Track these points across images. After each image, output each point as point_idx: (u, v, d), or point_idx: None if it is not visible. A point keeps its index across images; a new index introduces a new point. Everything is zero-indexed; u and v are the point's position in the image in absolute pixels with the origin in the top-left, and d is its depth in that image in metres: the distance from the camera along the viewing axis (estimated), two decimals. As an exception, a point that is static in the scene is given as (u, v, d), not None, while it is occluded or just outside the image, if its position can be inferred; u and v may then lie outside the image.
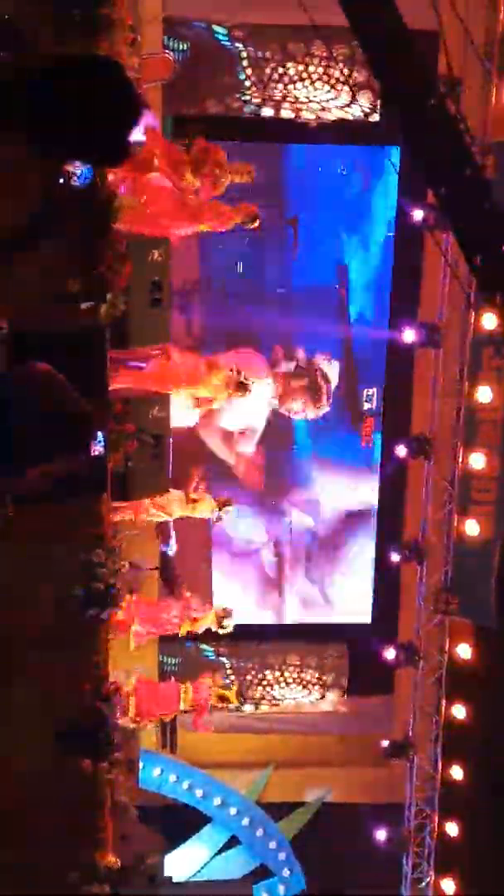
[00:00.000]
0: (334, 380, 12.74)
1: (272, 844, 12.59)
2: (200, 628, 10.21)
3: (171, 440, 8.85)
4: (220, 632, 10.32)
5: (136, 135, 3.56)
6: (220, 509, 10.25)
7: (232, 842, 12.63)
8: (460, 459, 11.66)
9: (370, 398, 12.82)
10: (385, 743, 12.43)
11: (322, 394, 12.67)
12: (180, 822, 12.19)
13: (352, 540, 13.42)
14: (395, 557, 12.18)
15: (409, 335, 11.51)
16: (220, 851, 12.62)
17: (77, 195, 6.58)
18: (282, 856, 12.58)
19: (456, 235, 8.00)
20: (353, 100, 11.73)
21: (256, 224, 9.68)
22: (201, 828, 12.53)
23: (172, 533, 10.95)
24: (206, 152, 9.00)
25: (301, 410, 12.71)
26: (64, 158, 5.53)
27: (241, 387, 9.96)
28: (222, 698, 10.37)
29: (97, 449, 4.37)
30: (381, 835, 12.50)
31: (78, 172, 6.32)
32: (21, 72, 3.67)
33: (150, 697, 9.76)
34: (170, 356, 9.09)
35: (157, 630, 10.06)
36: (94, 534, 7.67)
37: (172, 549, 11.21)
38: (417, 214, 10.95)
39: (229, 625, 10.27)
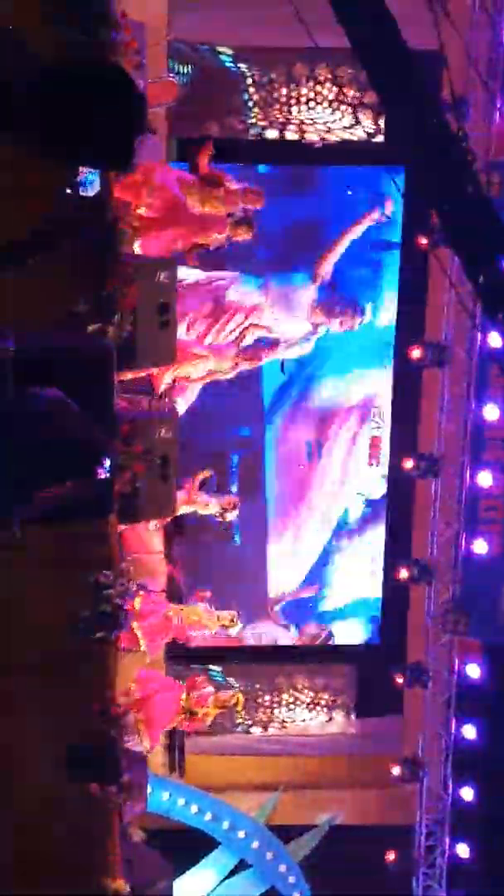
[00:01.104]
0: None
1: (282, 868, 12.48)
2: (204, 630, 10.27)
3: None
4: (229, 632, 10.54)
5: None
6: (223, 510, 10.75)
7: (241, 866, 12.54)
8: (468, 477, 11.64)
9: (378, 417, 12.82)
10: (396, 771, 12.35)
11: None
12: (189, 846, 12.10)
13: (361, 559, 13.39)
14: (403, 574, 12.14)
15: (415, 354, 11.54)
16: (229, 875, 12.53)
17: (84, 210, 6.60)
18: (291, 879, 12.47)
19: (458, 254, 8.02)
20: (358, 121, 11.79)
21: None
22: (210, 852, 12.45)
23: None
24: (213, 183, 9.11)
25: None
26: (72, 163, 5.56)
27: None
28: (225, 706, 10.33)
29: (103, 472, 4.37)
30: (391, 857, 12.41)
31: (85, 179, 6.35)
32: (27, 76, 3.69)
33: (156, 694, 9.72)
34: None
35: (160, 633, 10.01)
36: (102, 555, 7.65)
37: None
38: (422, 234, 10.99)
39: (234, 632, 10.39)
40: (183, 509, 10.24)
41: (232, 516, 11.14)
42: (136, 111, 3.76)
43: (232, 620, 10.40)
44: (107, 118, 3.69)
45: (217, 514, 10.83)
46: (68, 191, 6.24)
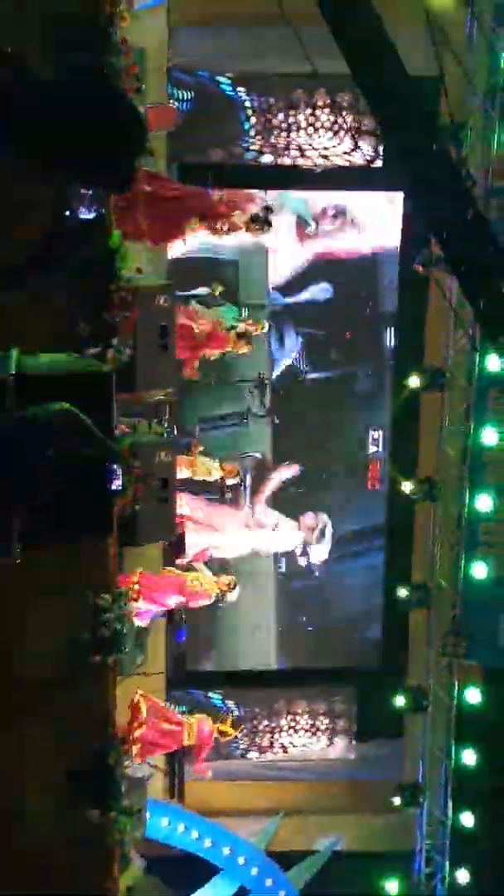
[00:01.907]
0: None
1: (281, 894, 12.39)
2: (201, 599, 10.21)
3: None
4: (221, 604, 10.44)
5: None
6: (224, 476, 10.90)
7: (241, 893, 12.44)
8: (467, 501, 11.63)
9: (376, 441, 12.83)
10: (396, 800, 12.27)
11: None
12: (188, 872, 12.01)
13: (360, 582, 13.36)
14: (403, 596, 12.09)
15: (414, 381, 11.57)
16: (228, 902, 12.44)
17: (83, 233, 6.61)
18: (291, 906, 12.39)
19: (458, 278, 8.05)
20: (356, 146, 11.86)
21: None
22: (210, 878, 12.35)
23: None
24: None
25: None
26: (71, 184, 5.58)
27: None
28: (222, 733, 10.27)
29: (117, 483, 4.38)
30: (391, 884, 12.32)
31: (85, 201, 6.37)
32: (28, 98, 3.72)
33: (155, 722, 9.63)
34: None
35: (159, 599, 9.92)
36: (101, 577, 7.64)
37: None
38: (420, 258, 11.03)
39: (233, 598, 10.33)
40: (184, 472, 10.19)
41: (233, 482, 11.20)
42: (136, 134, 3.79)
43: (229, 584, 10.36)
44: (107, 140, 3.72)
45: (218, 481, 10.89)
46: (67, 212, 6.27)
